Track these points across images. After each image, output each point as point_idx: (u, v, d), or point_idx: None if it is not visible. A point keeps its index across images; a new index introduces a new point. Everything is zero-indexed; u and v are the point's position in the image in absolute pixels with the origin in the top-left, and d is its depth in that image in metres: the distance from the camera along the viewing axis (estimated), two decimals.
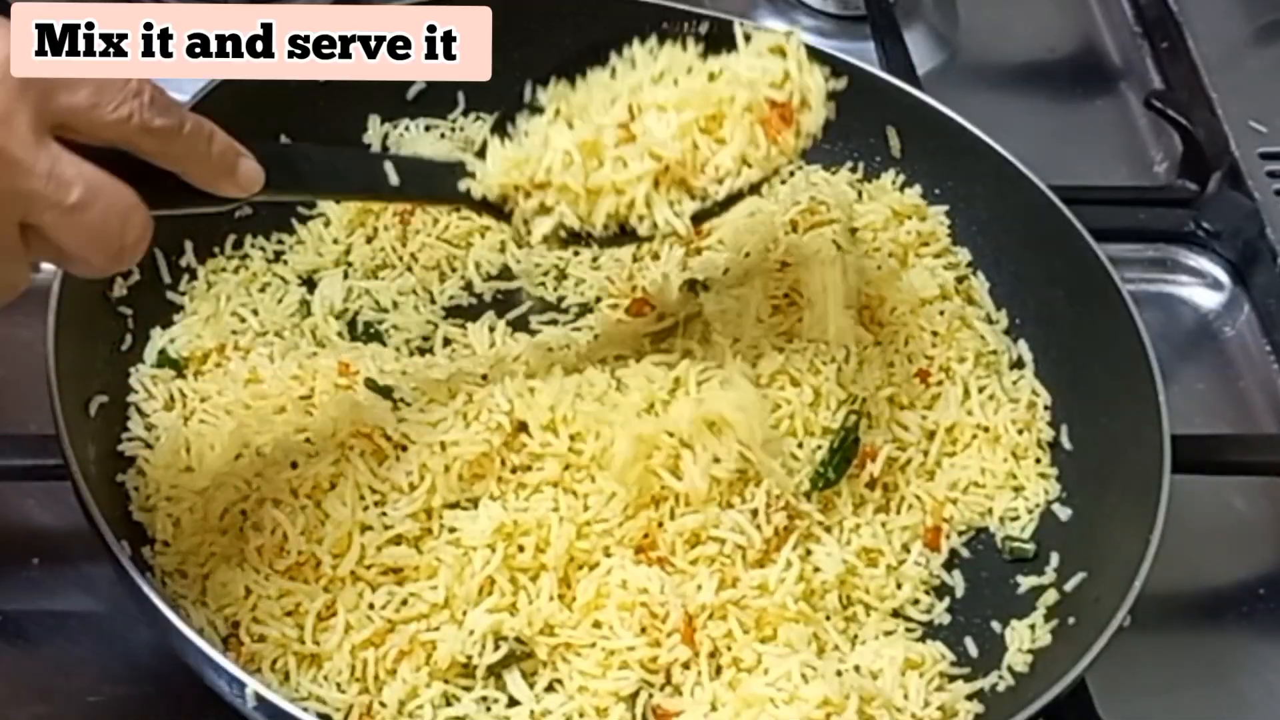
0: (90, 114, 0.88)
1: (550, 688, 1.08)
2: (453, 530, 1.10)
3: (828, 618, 1.13)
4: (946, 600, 1.18)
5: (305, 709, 1.01)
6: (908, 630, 1.16)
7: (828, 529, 1.16)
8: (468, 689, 1.07)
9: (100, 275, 0.94)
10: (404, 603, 1.07)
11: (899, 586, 1.17)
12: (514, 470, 1.13)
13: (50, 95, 0.86)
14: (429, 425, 1.13)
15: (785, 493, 1.14)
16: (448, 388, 1.15)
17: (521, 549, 1.10)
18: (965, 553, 1.21)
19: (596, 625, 1.08)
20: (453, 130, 1.36)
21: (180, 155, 0.92)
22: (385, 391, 1.16)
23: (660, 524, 1.11)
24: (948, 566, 1.20)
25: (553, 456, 1.13)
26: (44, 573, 1.18)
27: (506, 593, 1.08)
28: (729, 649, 1.09)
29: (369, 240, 1.30)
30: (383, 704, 1.04)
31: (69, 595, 1.17)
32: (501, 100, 1.34)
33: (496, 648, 1.07)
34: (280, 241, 1.30)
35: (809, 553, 1.15)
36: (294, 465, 1.11)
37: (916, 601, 1.17)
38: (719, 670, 1.08)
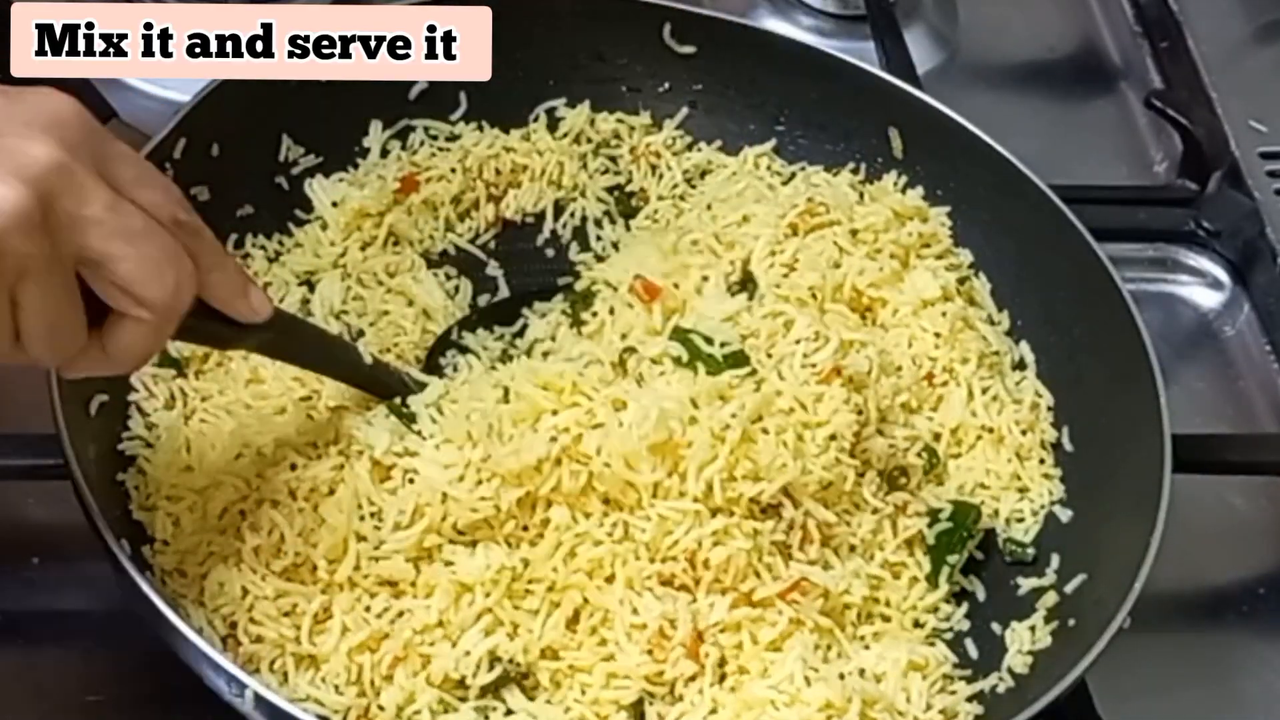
0: (131, 188, 0.89)
1: (549, 700, 1.07)
2: (449, 564, 1.08)
3: (843, 629, 1.13)
4: (965, 606, 1.18)
5: (304, 710, 1.01)
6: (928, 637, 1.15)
7: (852, 547, 1.16)
8: (464, 699, 1.06)
9: (152, 335, 0.93)
10: (399, 615, 1.07)
11: (922, 598, 1.16)
12: (524, 528, 1.10)
13: (101, 160, 0.88)
14: (440, 467, 1.10)
15: (823, 524, 1.13)
16: (467, 430, 1.11)
17: (529, 592, 1.08)
18: (977, 554, 1.20)
19: (602, 643, 1.07)
20: (452, 139, 1.36)
21: (204, 259, 0.94)
22: (409, 418, 1.14)
23: (691, 564, 1.10)
24: (965, 571, 1.19)
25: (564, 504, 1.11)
26: (43, 572, 1.18)
27: (506, 622, 1.07)
28: (736, 658, 1.08)
29: (363, 248, 1.30)
30: (381, 707, 1.04)
31: (69, 594, 1.17)
32: (504, 101, 1.36)
33: (491, 668, 1.05)
34: (281, 243, 1.30)
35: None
36: (294, 467, 1.11)
37: (936, 609, 1.17)
38: (723, 678, 1.08)
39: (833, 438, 1.16)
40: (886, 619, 1.15)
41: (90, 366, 0.93)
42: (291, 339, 1.08)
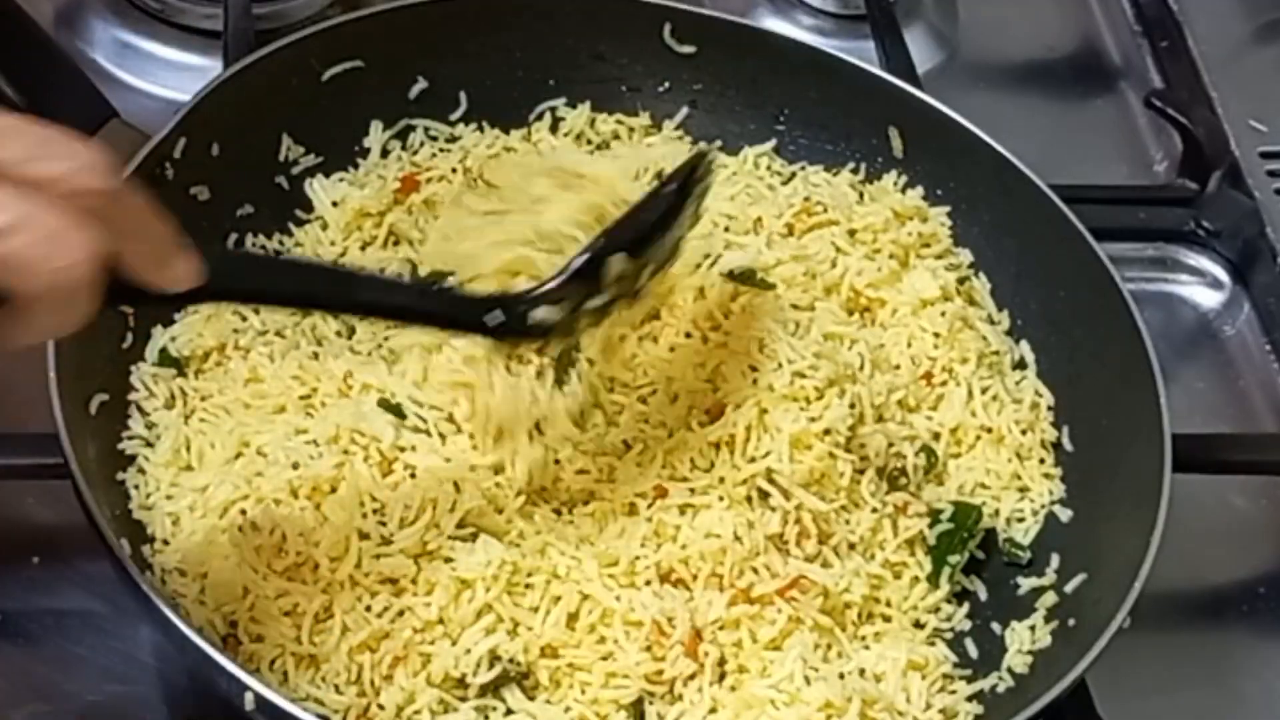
0: (22, 166, 0.83)
1: (549, 700, 1.07)
2: (449, 560, 1.08)
3: (844, 629, 1.13)
4: (967, 606, 1.18)
5: (305, 709, 1.01)
6: (928, 637, 1.15)
7: (851, 546, 1.15)
8: (464, 699, 1.06)
9: (52, 316, 0.86)
10: (400, 614, 1.06)
11: (923, 598, 1.16)
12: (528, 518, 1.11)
13: None
14: (442, 460, 1.11)
15: (819, 517, 1.13)
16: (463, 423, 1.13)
17: (529, 586, 1.08)
18: (978, 554, 1.20)
19: (601, 641, 1.07)
20: (452, 140, 1.36)
21: (117, 228, 0.86)
22: (396, 411, 1.14)
23: (685, 560, 1.10)
24: (966, 571, 1.19)
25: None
26: (44, 571, 1.18)
27: (505, 619, 1.07)
28: (736, 657, 1.08)
29: (363, 248, 1.29)
30: (381, 707, 1.04)
31: (69, 594, 1.17)
32: (504, 101, 1.36)
33: (491, 667, 1.05)
34: (281, 243, 1.29)
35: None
36: (295, 466, 1.10)
37: (937, 610, 1.17)
38: (722, 677, 1.08)
39: (827, 432, 1.16)
40: (887, 619, 1.15)
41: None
42: (263, 285, 0.99)
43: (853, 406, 1.18)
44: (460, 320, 1.05)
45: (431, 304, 1.06)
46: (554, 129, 1.37)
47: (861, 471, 1.17)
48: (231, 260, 1.00)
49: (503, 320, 1.04)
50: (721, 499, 1.12)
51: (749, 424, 1.15)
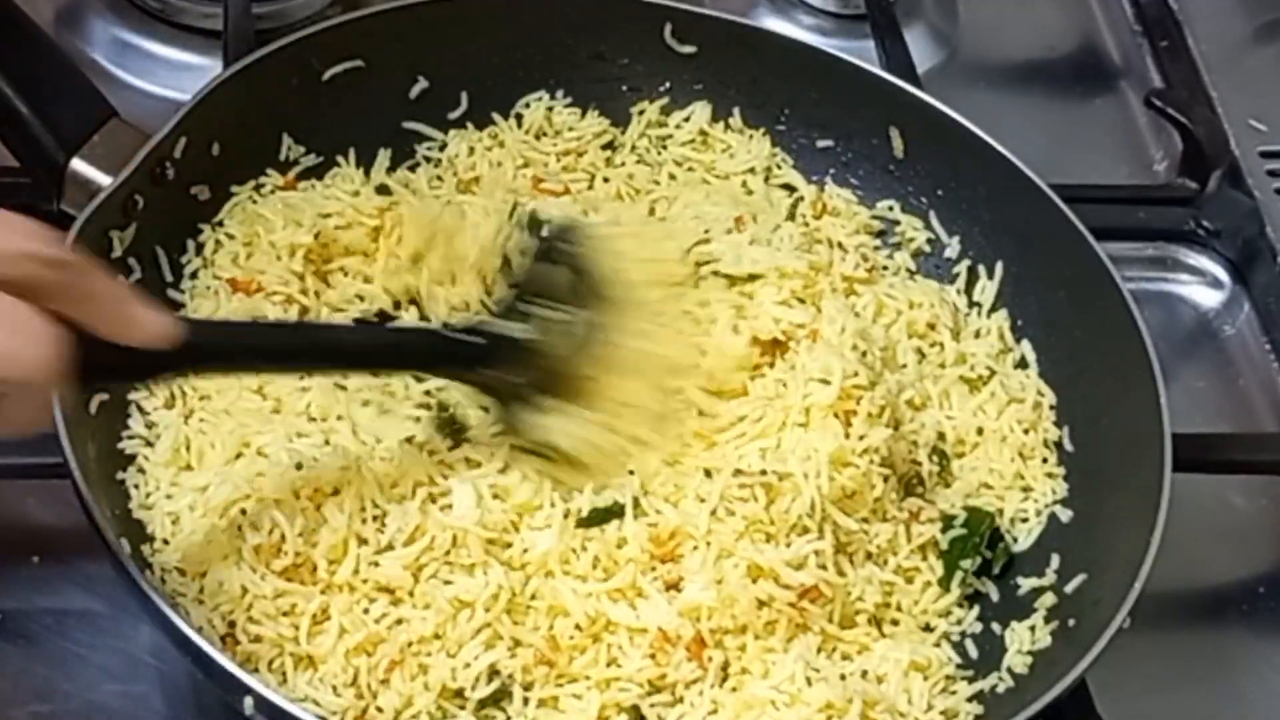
0: None
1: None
2: (447, 583, 1.08)
3: (851, 630, 1.12)
4: (977, 609, 1.17)
5: (303, 709, 1.01)
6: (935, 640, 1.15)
7: (869, 555, 1.15)
8: (462, 708, 1.05)
9: (18, 411, 0.85)
10: (397, 621, 1.06)
11: (934, 601, 1.16)
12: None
13: None
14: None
15: (841, 531, 1.13)
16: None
17: (531, 608, 1.08)
18: (985, 554, 1.20)
19: (605, 649, 1.07)
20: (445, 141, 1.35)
21: (76, 293, 0.84)
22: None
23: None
24: (976, 573, 1.18)
25: None
26: (44, 571, 1.18)
27: (506, 637, 1.07)
28: (739, 659, 1.08)
29: None
30: (379, 709, 1.04)
31: (69, 593, 1.17)
32: (504, 101, 1.35)
33: (490, 681, 1.05)
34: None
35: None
36: (299, 466, 1.10)
37: (948, 613, 1.16)
38: (725, 679, 1.08)
39: (865, 451, 1.15)
40: (896, 623, 1.15)
41: None
42: (246, 349, 1.02)
43: (895, 426, 1.18)
44: (447, 356, 1.08)
45: (416, 342, 1.10)
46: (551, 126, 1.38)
47: (885, 480, 1.17)
48: (202, 326, 1.00)
49: (484, 344, 1.07)
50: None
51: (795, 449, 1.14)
